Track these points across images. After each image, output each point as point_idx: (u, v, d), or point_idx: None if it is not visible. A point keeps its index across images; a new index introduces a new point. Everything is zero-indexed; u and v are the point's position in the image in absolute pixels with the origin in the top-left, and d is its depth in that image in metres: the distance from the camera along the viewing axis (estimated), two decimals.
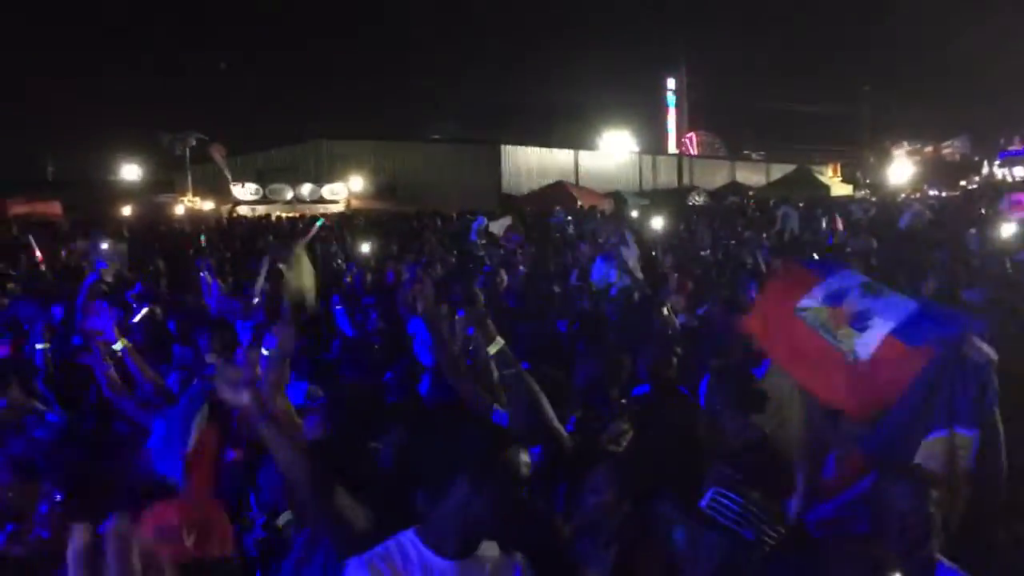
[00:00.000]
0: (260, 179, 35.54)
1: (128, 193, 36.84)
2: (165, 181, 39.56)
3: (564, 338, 6.25)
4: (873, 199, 32.15)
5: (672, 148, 56.77)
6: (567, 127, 51.05)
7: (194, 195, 34.48)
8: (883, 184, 44.64)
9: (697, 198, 37.67)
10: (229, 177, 34.08)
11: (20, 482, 3.17)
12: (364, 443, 3.94)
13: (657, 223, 14.10)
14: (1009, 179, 44.32)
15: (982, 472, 3.05)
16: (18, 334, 6.94)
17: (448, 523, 2.36)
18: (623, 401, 4.53)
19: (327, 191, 35.93)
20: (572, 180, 42.27)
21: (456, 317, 4.22)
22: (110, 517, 1.81)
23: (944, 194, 35.81)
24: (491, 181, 40.64)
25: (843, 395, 3.43)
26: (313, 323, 6.60)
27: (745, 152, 63.45)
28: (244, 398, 2.58)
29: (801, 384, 3.74)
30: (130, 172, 45.30)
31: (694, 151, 59.17)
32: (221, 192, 33.93)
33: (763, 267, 8.97)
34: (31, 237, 13.16)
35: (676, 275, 7.91)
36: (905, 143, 64.19)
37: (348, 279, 8.15)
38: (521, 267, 9.94)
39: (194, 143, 35.33)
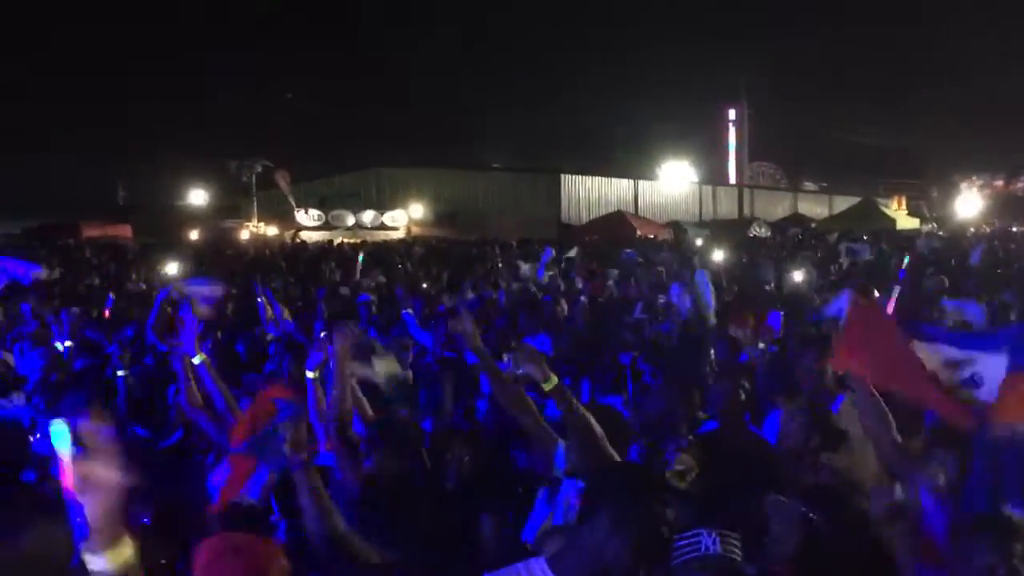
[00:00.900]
0: (322, 205, 36.13)
1: (195, 218, 37.76)
2: (230, 206, 40.44)
3: (627, 370, 6.19)
4: (940, 233, 31.37)
5: (732, 178, 56.23)
6: (626, 157, 51.07)
7: (259, 221, 35.17)
8: (951, 218, 43.58)
9: (758, 229, 37.20)
10: (293, 204, 34.73)
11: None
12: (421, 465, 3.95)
13: (719, 254, 13.94)
14: None
15: None
16: (93, 354, 7.15)
17: (582, 557, 2.34)
18: (690, 437, 4.45)
19: (388, 218, 36.36)
20: (631, 210, 42.12)
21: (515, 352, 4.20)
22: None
23: (1015, 229, 34.81)
24: (550, 210, 40.72)
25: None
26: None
27: (807, 183, 62.60)
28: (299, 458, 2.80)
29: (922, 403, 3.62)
30: (197, 197, 46.49)
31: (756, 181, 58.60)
32: (285, 218, 34.58)
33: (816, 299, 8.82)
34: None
35: (740, 307, 7.79)
36: (974, 176, 62.70)
37: (409, 309, 8.19)
38: (583, 297, 9.91)
39: (260, 170, 36.14)
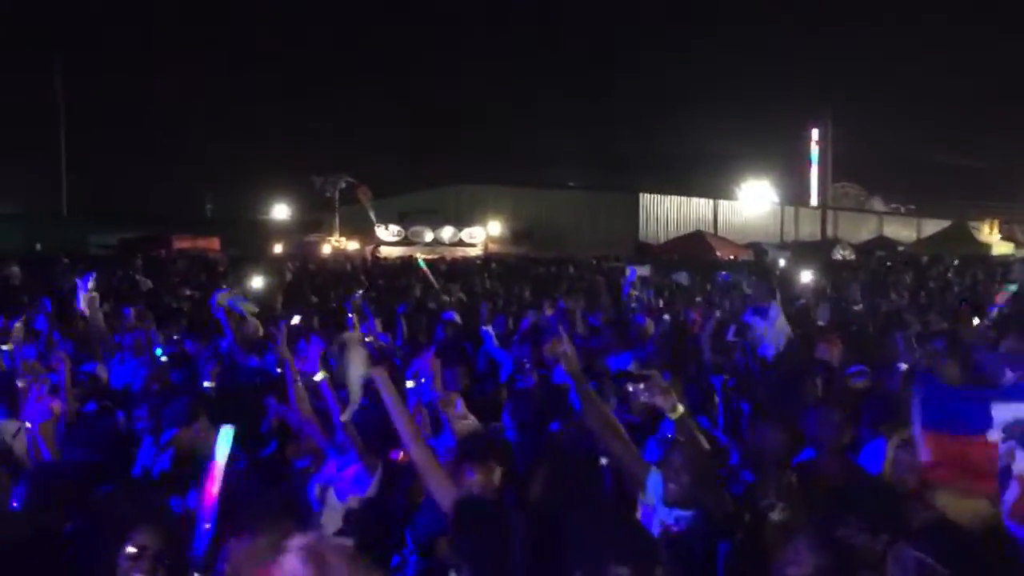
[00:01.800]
0: (401, 221, 36.61)
1: (279, 232, 38.66)
2: (313, 221, 41.28)
3: (718, 393, 6.07)
4: None
5: (814, 199, 55.04)
6: (706, 176, 50.51)
7: (340, 235, 35.81)
8: None
9: (842, 252, 36.31)
10: (374, 219, 35.28)
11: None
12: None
13: (805, 276, 13.62)
14: None
15: None
16: (188, 365, 7.34)
17: None
18: (790, 467, 4.32)
19: (466, 234, 36.65)
20: (710, 230, 41.64)
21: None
22: None
23: None
24: (628, 229, 40.54)
25: None
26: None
27: (894, 205, 60.91)
28: None
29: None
30: (280, 212, 47.65)
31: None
32: (365, 233, 35.13)
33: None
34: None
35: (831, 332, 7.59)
36: None
37: (489, 327, 8.22)
38: (666, 316, 9.80)
39: (343, 185, 36.83)
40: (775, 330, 7.19)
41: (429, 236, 35.86)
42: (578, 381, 4.01)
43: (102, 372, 7.14)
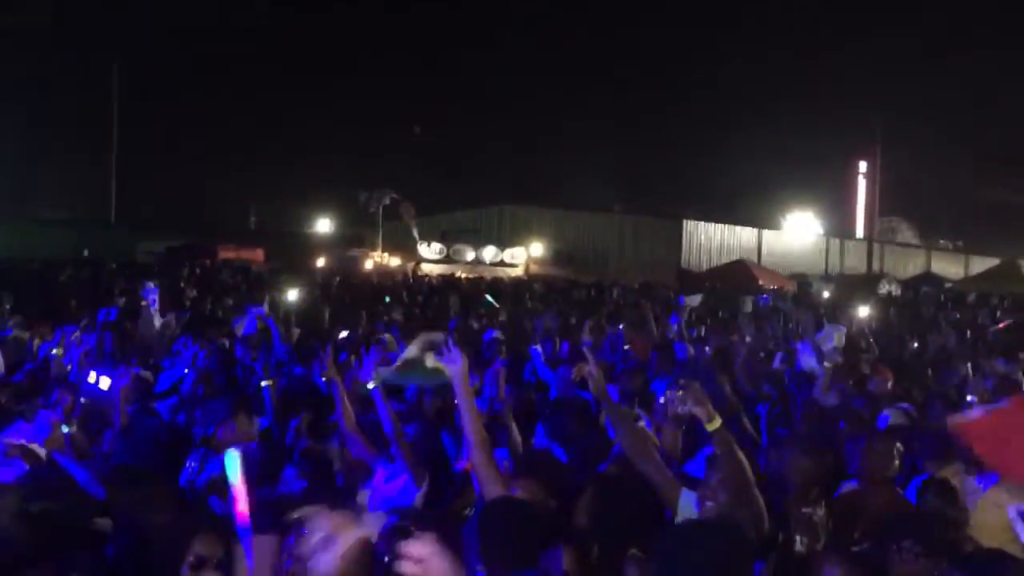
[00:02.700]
0: (443, 239, 36.76)
1: (322, 245, 39.06)
2: (354, 236, 41.61)
3: (763, 420, 6.03)
4: None
5: (860, 232, 54.32)
6: (750, 204, 50.11)
7: (383, 251, 36.06)
8: None
9: (888, 286, 35.76)
10: (416, 236, 35.50)
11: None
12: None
13: (861, 310, 13.40)
14: None
15: None
16: (232, 368, 7.47)
17: None
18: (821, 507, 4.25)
19: (507, 255, 36.68)
20: (754, 259, 41.28)
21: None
22: None
23: None
24: (671, 255, 40.34)
25: None
26: None
27: (942, 241, 59.91)
28: None
29: None
30: (323, 225, 48.16)
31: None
32: (408, 249, 35.34)
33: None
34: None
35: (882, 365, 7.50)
36: None
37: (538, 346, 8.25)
38: (708, 347, 9.71)
39: (388, 201, 37.08)
40: (827, 359, 7.11)
41: (471, 255, 35.96)
42: (606, 402, 4.08)
43: (148, 375, 7.30)
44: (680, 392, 3.57)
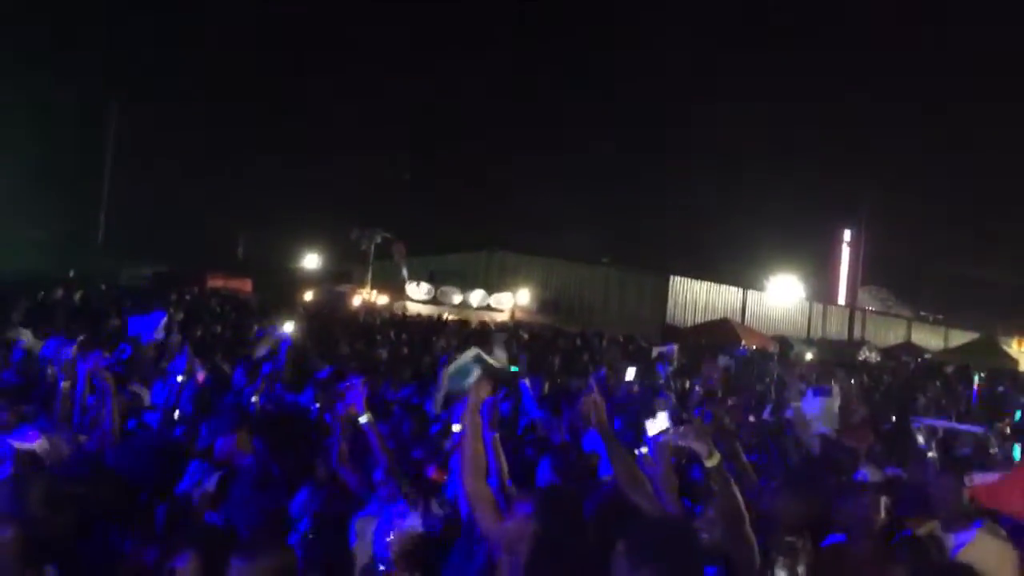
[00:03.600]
0: (431, 280, 36.84)
1: (309, 280, 39.03)
2: (343, 272, 41.59)
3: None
4: None
5: (841, 299, 54.88)
6: (735, 265, 50.56)
7: (371, 288, 36.08)
8: None
9: (868, 353, 36.11)
10: (405, 276, 35.57)
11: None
12: None
13: (839, 374, 13.59)
14: None
15: None
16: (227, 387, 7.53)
17: None
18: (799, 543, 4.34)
19: (494, 300, 36.80)
20: (738, 319, 41.62)
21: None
22: None
23: None
24: (656, 310, 40.64)
25: None
26: None
27: (923, 313, 60.54)
28: None
29: None
30: (310, 261, 48.14)
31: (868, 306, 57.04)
32: (396, 288, 35.39)
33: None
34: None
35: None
36: None
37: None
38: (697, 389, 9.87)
39: (379, 240, 37.19)
40: (822, 416, 7.20)
41: (458, 298, 36.06)
42: (606, 434, 4.18)
43: (142, 392, 7.35)
44: (682, 428, 3.68)
